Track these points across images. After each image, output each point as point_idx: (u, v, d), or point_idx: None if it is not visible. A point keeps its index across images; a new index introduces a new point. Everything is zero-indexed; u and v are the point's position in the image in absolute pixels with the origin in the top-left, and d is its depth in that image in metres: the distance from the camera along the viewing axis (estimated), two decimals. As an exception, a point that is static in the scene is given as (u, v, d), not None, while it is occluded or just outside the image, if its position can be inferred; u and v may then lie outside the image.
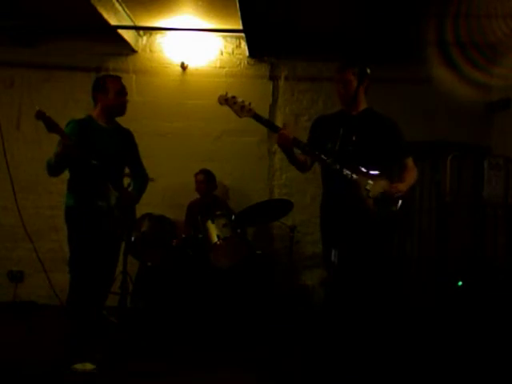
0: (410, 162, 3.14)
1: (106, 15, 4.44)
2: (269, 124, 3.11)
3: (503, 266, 4.35)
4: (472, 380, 3.08)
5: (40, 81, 5.22)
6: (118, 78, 3.35)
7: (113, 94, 3.23)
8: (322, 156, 2.85)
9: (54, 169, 3.07)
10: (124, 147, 3.38)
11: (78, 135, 3.11)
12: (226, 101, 2.94)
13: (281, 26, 4.76)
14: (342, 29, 4.54)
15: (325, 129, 3.07)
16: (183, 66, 5.26)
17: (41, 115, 2.82)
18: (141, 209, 4.41)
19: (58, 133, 2.89)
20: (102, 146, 3.20)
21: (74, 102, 5.01)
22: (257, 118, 2.97)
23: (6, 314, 4.60)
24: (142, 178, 3.60)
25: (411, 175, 3.10)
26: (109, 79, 3.31)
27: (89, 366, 3.05)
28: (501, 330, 3.60)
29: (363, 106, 3.09)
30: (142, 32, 5.28)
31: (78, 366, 3.03)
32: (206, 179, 4.85)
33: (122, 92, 3.30)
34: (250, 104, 2.94)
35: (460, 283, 4.14)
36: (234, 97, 2.94)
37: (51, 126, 2.84)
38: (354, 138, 2.80)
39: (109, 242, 3.23)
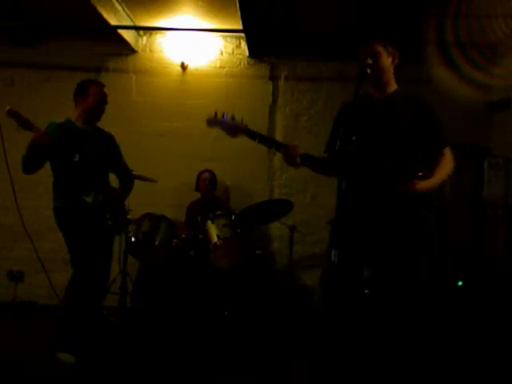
0: (446, 152, 2.71)
1: (106, 15, 4.44)
2: (268, 141, 2.75)
3: (503, 265, 4.35)
4: (472, 380, 3.08)
5: (40, 81, 5.23)
6: (102, 86, 3.40)
7: (92, 100, 3.29)
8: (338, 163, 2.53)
9: (27, 163, 3.07)
10: (106, 149, 3.44)
11: (59, 138, 3.13)
12: (216, 122, 2.66)
13: (281, 26, 4.76)
14: (342, 29, 4.54)
15: (349, 117, 2.65)
16: (183, 66, 5.26)
17: (12, 113, 2.85)
18: (141, 209, 4.43)
19: (31, 129, 2.91)
20: (84, 147, 3.22)
21: (74, 102, 4.99)
22: (251, 135, 2.65)
23: (5, 314, 4.60)
24: (126, 179, 3.68)
25: (441, 171, 2.68)
26: (92, 85, 3.36)
27: (70, 359, 3.07)
28: (501, 329, 3.60)
29: (392, 87, 2.73)
30: (141, 32, 5.28)
31: (61, 356, 3.07)
32: (212, 178, 4.86)
33: (101, 100, 3.36)
34: (242, 120, 2.65)
35: (460, 283, 4.15)
36: (223, 115, 2.64)
37: (23, 123, 2.86)
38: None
39: (102, 240, 3.27)
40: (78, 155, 3.12)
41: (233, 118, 2.65)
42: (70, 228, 3.20)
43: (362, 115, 2.59)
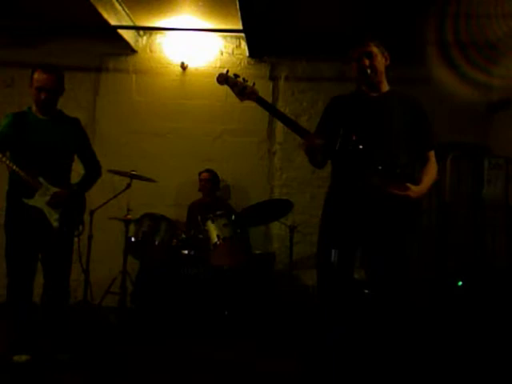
0: (432, 156, 2.77)
1: (106, 15, 4.44)
2: (278, 113, 2.67)
3: (503, 265, 4.35)
4: (472, 380, 3.08)
5: (40, 81, 5.23)
6: (45, 72, 3.08)
7: (33, 88, 3.09)
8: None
9: None
10: (66, 138, 3.24)
11: (13, 128, 3.07)
12: (226, 80, 2.57)
13: (281, 26, 4.76)
14: (342, 29, 4.54)
15: (340, 112, 2.69)
16: (183, 66, 5.27)
17: None
18: (141, 209, 4.43)
19: None
20: (37, 139, 3.10)
21: (74, 101, 5.00)
22: (262, 103, 2.57)
23: (5, 314, 4.59)
24: (92, 169, 3.45)
25: (430, 176, 2.72)
26: (35, 72, 3.09)
27: (24, 358, 3.03)
28: (501, 329, 3.60)
29: (386, 87, 2.73)
30: (141, 32, 5.28)
31: (16, 358, 3.03)
32: (210, 178, 4.86)
33: (42, 88, 3.06)
34: (253, 85, 2.54)
35: (460, 283, 4.14)
36: (236, 75, 2.56)
37: None
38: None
39: (47, 240, 3.14)
40: (27, 144, 3.04)
41: (244, 80, 2.56)
42: (9, 228, 3.12)
43: (355, 112, 2.60)
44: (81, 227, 3.35)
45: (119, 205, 4.33)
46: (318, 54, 5.21)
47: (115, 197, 4.26)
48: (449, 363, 3.30)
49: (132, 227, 4.30)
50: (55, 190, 3.13)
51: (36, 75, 3.09)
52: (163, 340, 3.82)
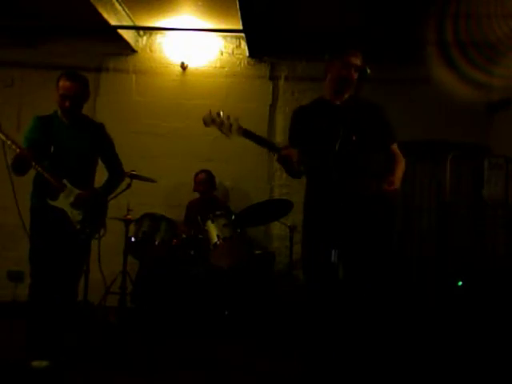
0: (396, 148, 2.92)
1: (106, 15, 4.45)
2: (264, 142, 2.82)
3: (503, 265, 4.35)
4: (472, 380, 3.08)
5: (40, 81, 5.22)
6: (68, 79, 3.12)
7: (57, 95, 3.13)
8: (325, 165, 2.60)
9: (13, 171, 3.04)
10: (90, 142, 3.29)
11: (38, 132, 3.12)
12: (213, 121, 2.61)
13: (281, 25, 4.76)
14: (342, 29, 4.54)
15: (307, 121, 2.86)
16: (183, 66, 5.27)
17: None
18: (141, 209, 4.43)
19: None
20: (62, 143, 3.15)
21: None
22: (249, 135, 2.67)
23: (5, 314, 4.59)
24: (115, 173, 3.50)
25: (401, 166, 2.85)
26: (61, 78, 3.15)
27: (44, 363, 3.01)
28: (501, 330, 3.60)
29: (348, 94, 2.88)
30: (142, 32, 5.29)
31: (35, 364, 3.00)
32: (207, 179, 4.85)
33: (65, 95, 3.11)
34: (237, 120, 2.63)
35: (460, 283, 4.15)
36: (218, 114, 2.60)
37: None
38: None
39: (68, 241, 3.15)
40: (52, 148, 3.08)
41: (228, 118, 2.62)
42: (33, 228, 3.14)
43: (323, 120, 2.72)
44: (102, 230, 3.36)
45: (119, 205, 4.32)
46: (317, 54, 5.20)
47: (115, 197, 4.25)
48: (449, 363, 3.30)
49: (132, 227, 4.31)
50: (79, 191, 3.16)
51: (61, 82, 3.13)
52: (163, 340, 3.82)
